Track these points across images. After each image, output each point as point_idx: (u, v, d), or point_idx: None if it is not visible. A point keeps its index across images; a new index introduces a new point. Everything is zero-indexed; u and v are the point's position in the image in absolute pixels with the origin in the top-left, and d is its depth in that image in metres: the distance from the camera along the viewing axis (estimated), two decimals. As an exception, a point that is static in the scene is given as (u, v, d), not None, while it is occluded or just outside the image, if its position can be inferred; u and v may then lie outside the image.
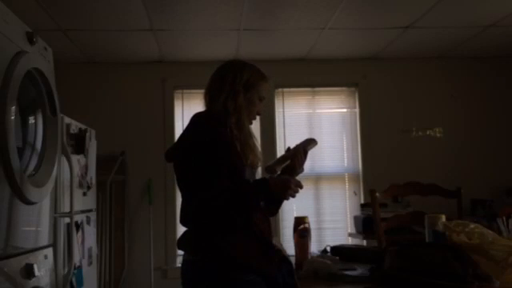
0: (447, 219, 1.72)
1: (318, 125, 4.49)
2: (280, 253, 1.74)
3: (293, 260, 1.87)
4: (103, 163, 3.84)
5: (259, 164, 1.78)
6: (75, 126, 2.93)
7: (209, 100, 1.76)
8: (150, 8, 3.21)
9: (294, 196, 1.61)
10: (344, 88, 4.57)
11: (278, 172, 1.76)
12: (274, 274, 1.63)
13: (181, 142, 1.69)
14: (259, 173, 1.84)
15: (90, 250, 3.15)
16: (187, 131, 1.69)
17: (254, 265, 1.58)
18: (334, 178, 4.45)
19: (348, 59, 4.46)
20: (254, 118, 1.81)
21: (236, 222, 1.58)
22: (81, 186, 3.00)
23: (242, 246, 1.59)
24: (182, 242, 1.69)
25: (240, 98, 1.70)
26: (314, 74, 4.45)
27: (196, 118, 1.70)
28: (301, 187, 1.60)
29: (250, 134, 1.74)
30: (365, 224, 3.68)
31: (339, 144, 4.51)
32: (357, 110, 4.51)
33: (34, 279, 1.81)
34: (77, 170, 2.91)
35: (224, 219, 1.57)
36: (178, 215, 1.66)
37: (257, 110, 1.78)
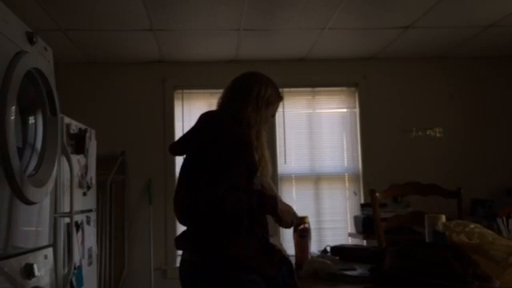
0: (447, 219, 1.72)
1: (318, 125, 4.49)
2: (280, 253, 1.75)
3: (293, 260, 1.87)
4: (103, 163, 3.84)
5: (269, 174, 1.84)
6: (75, 126, 2.93)
7: (232, 106, 1.79)
8: (150, 8, 3.21)
9: (287, 226, 1.71)
10: (344, 88, 4.57)
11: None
12: (274, 274, 1.63)
13: (198, 137, 1.70)
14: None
15: (90, 249, 3.15)
16: (207, 128, 1.70)
17: (255, 265, 1.59)
18: (334, 177, 4.45)
19: (348, 59, 4.46)
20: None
21: (242, 222, 1.57)
22: (81, 186, 3.00)
23: (243, 246, 1.59)
24: (182, 242, 1.69)
25: (262, 112, 1.79)
26: (314, 74, 4.45)
27: (216, 117, 1.75)
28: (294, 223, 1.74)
29: (265, 147, 1.81)
30: (365, 224, 3.68)
31: (339, 144, 4.51)
32: (357, 110, 4.51)
33: (34, 279, 1.81)
34: (77, 170, 2.91)
35: (229, 219, 1.57)
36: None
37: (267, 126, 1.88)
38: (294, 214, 1.71)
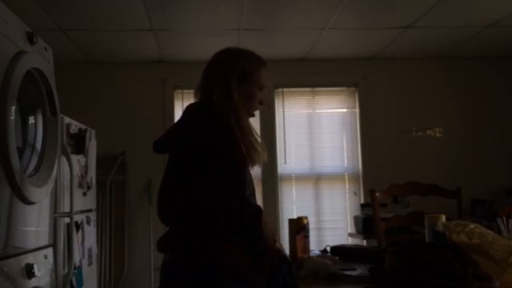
0: (447, 219, 1.72)
1: (318, 125, 4.49)
2: (280, 253, 1.73)
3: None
4: (103, 163, 3.84)
5: (264, 159, 1.64)
6: (75, 126, 2.93)
7: (200, 97, 1.65)
8: (150, 8, 3.21)
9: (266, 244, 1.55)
10: (344, 88, 4.57)
11: None
12: (263, 282, 1.53)
13: (180, 135, 1.56)
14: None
15: (90, 249, 3.15)
16: (188, 124, 1.56)
17: (241, 272, 1.49)
18: (334, 177, 4.45)
19: (348, 59, 4.46)
20: (257, 109, 1.68)
21: (217, 225, 1.45)
22: (81, 186, 3.00)
23: (230, 252, 1.49)
24: (167, 243, 1.59)
25: (234, 95, 1.56)
26: (314, 74, 4.45)
27: (195, 112, 1.59)
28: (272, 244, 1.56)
29: (250, 132, 1.61)
30: (365, 224, 3.68)
31: (339, 144, 4.50)
32: (357, 110, 4.51)
33: (34, 279, 1.81)
34: (77, 170, 2.91)
35: (203, 218, 1.45)
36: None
37: (258, 100, 1.65)
38: (274, 233, 1.57)
